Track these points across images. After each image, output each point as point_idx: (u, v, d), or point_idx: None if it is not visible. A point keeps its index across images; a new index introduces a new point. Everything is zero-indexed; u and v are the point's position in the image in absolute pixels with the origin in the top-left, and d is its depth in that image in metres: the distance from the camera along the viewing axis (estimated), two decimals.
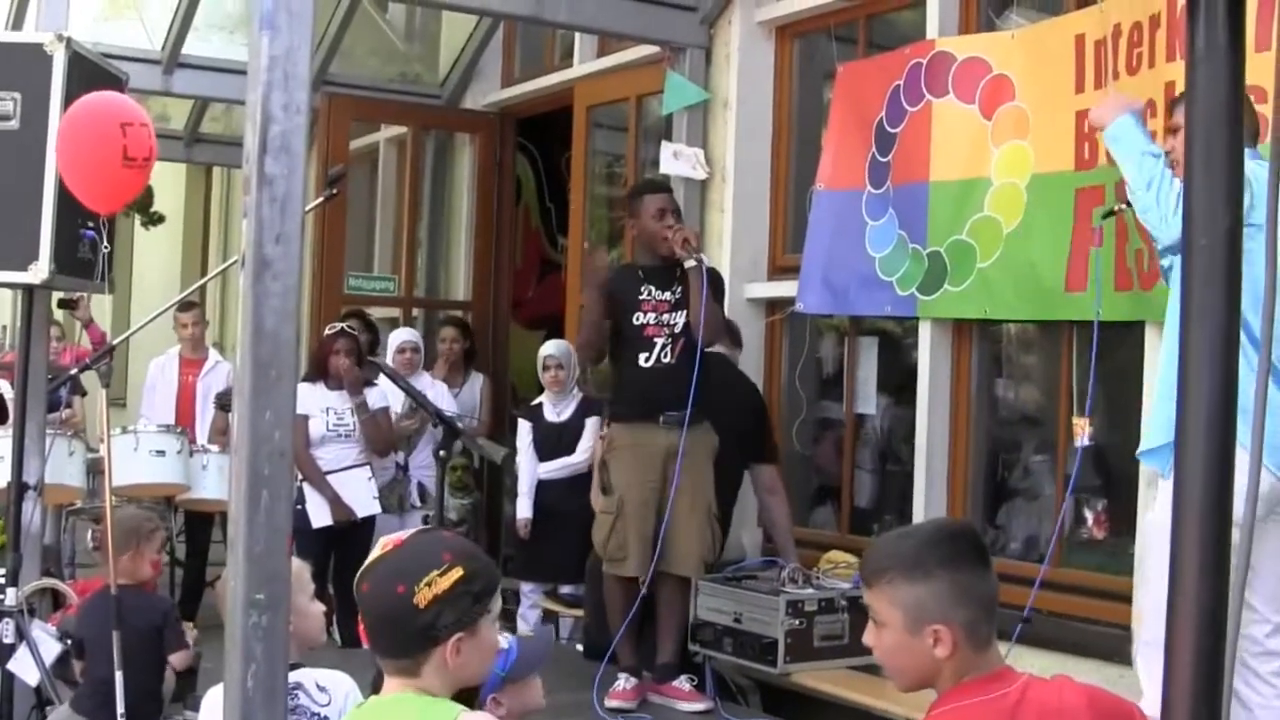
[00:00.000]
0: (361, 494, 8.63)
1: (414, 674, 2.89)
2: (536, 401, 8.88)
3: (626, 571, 7.01)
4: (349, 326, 8.94)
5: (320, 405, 8.52)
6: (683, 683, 6.95)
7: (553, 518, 8.51)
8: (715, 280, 7.20)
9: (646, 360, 7.05)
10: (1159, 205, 4.79)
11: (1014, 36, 7.06)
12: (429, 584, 2.85)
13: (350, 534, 8.45)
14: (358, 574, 2.95)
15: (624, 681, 6.90)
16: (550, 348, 8.71)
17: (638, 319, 7.05)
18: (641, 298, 7.07)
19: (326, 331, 8.83)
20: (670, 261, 7.07)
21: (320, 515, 8.39)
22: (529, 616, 8.89)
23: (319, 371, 8.60)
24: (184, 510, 9.27)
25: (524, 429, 8.79)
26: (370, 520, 8.60)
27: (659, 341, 7.03)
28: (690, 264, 6.93)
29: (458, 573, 2.88)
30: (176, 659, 5.95)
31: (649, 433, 7.03)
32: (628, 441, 7.11)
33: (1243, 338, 4.54)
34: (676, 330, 7.03)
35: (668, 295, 7.06)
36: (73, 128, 5.02)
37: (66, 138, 5.04)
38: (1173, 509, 1.14)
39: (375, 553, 2.96)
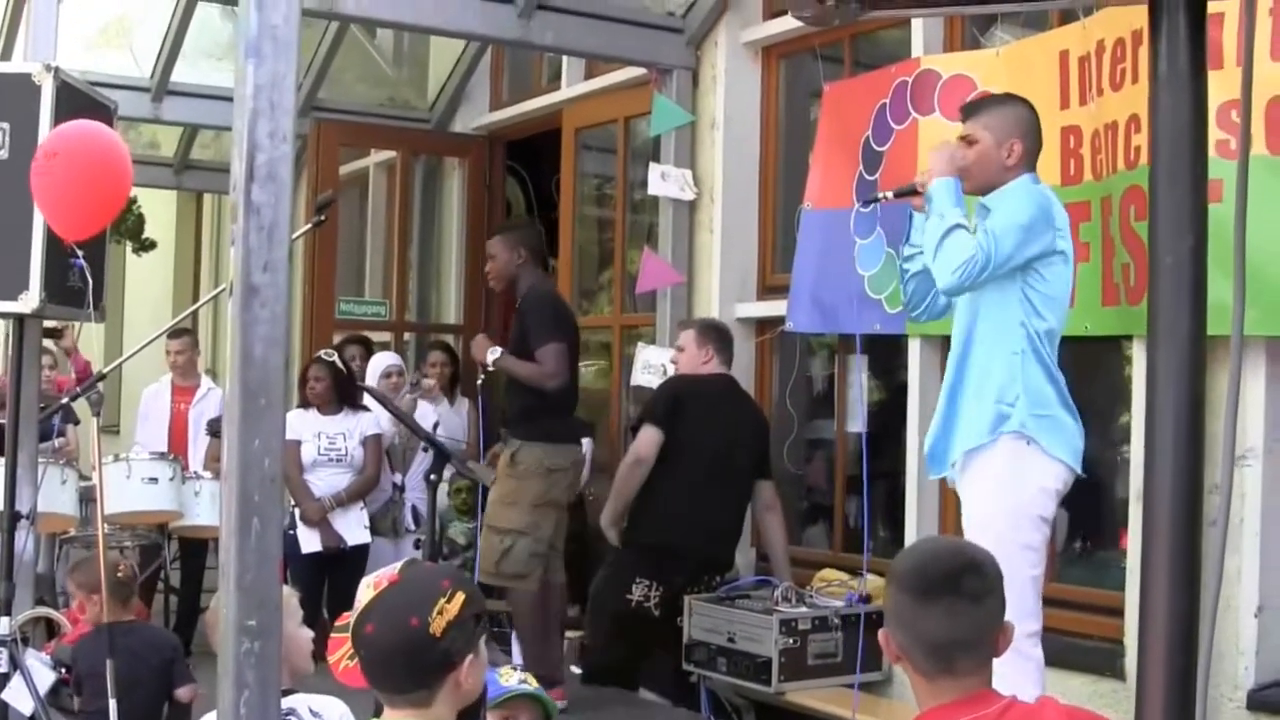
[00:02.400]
0: (351, 522, 8.66)
1: (427, 704, 2.91)
2: None
3: (530, 587, 7.45)
4: (326, 353, 8.98)
5: (312, 430, 8.54)
6: None
7: None
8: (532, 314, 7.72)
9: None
10: (936, 265, 5.04)
11: (999, 54, 7.09)
12: (440, 612, 2.87)
13: (342, 561, 8.47)
14: (355, 619, 2.95)
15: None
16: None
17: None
18: None
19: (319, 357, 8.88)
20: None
21: (310, 541, 8.41)
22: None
23: (305, 400, 8.66)
24: (178, 537, 9.27)
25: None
26: (363, 547, 8.63)
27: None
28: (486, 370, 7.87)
29: (461, 596, 2.92)
30: (184, 692, 5.97)
31: (571, 453, 7.70)
32: (559, 464, 7.59)
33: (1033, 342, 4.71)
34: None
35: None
36: (69, 155, 5.02)
37: (58, 167, 5.04)
38: (1143, 523, 1.16)
39: (367, 594, 2.96)
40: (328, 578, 8.39)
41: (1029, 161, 5.20)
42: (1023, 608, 4.69)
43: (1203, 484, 1.17)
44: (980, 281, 4.94)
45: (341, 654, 3.22)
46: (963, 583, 2.83)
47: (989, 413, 4.98)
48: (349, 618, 3.21)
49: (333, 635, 3.34)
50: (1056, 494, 5.03)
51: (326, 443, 8.66)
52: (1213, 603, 1.25)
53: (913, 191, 5.25)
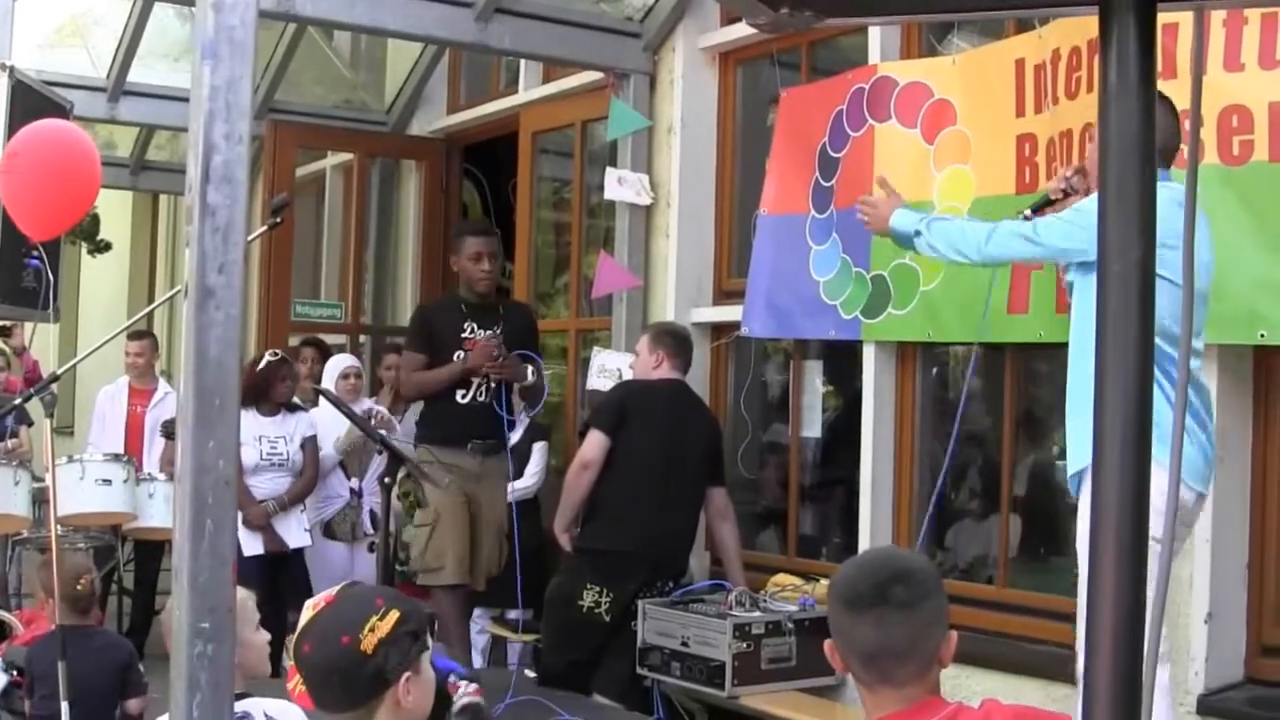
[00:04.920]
0: (293, 525, 8.64)
1: None
2: None
3: (445, 579, 7.67)
4: (273, 353, 8.93)
5: (253, 433, 8.47)
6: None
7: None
8: (530, 328, 8.15)
9: (463, 397, 7.77)
10: (969, 253, 4.97)
11: (955, 61, 7.12)
12: (371, 629, 2.90)
13: (286, 563, 8.45)
14: (295, 640, 2.97)
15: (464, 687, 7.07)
16: None
17: (458, 356, 7.73)
18: (464, 335, 7.77)
19: (267, 358, 8.78)
20: (492, 300, 7.98)
21: (251, 544, 8.37)
22: (478, 642, 8.89)
23: (254, 398, 8.54)
24: (132, 539, 9.23)
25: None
26: (302, 552, 8.61)
27: (475, 381, 7.75)
28: (522, 384, 7.94)
29: (395, 615, 2.96)
30: (134, 704, 5.94)
31: (458, 456, 7.78)
32: (441, 461, 7.73)
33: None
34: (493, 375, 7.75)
35: (489, 333, 7.76)
36: (41, 156, 5.01)
37: (29, 165, 5.02)
38: (1090, 534, 1.17)
39: (306, 615, 2.98)
40: (275, 581, 8.35)
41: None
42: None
43: (1149, 492, 1.18)
44: (1024, 257, 4.97)
45: (298, 680, 3.23)
46: (891, 592, 2.85)
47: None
48: None
49: (287, 663, 3.34)
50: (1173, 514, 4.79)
51: (268, 446, 8.61)
52: (1159, 608, 1.27)
53: (1047, 202, 5.12)
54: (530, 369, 7.90)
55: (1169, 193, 4.74)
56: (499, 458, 7.94)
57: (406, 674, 2.95)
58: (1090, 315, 4.73)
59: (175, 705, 1.57)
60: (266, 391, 8.56)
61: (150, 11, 10.24)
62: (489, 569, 7.87)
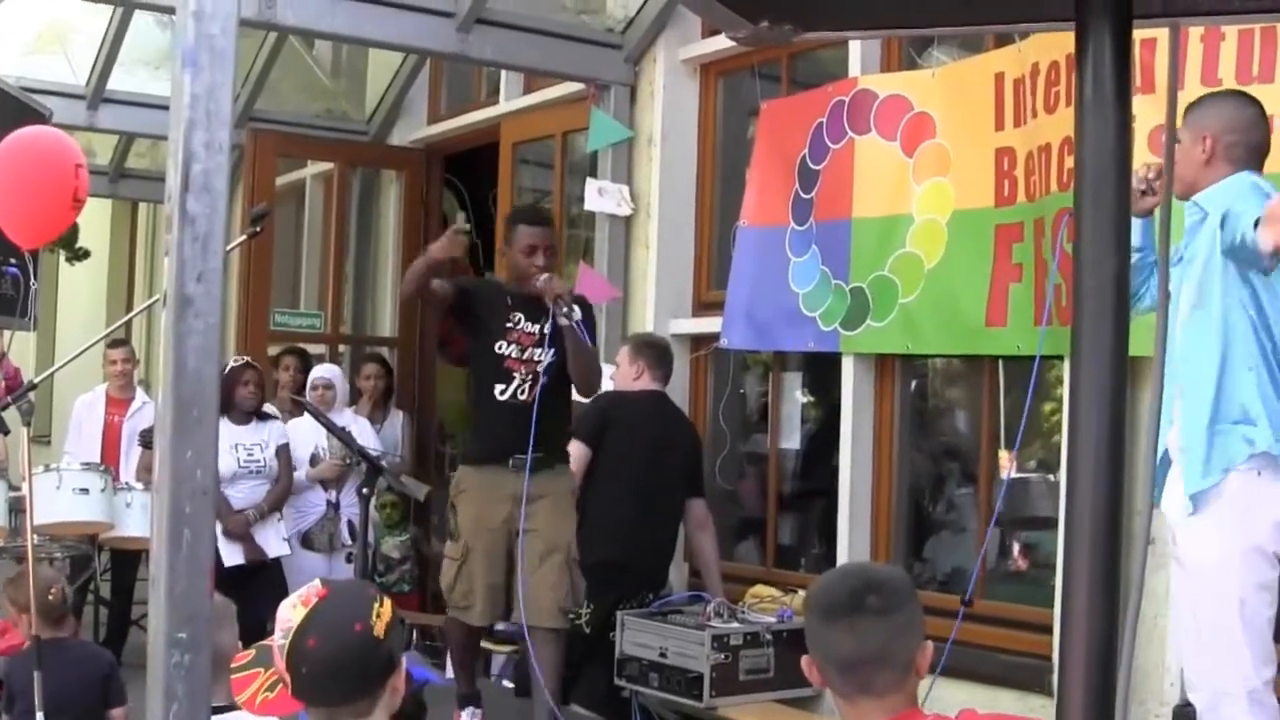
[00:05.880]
0: (271, 534, 8.62)
1: (369, 713, 2.93)
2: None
3: (473, 620, 6.78)
4: (237, 359, 8.92)
5: (229, 441, 8.44)
6: None
7: None
8: (586, 316, 6.90)
9: (502, 393, 6.73)
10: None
11: (935, 75, 7.14)
12: (379, 615, 2.92)
13: (263, 573, 8.42)
14: (291, 638, 2.94)
15: (468, 715, 6.88)
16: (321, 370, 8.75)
17: (500, 348, 6.75)
18: (509, 325, 6.78)
19: (231, 363, 8.76)
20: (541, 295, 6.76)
21: (232, 554, 8.34)
22: None
23: (224, 406, 8.50)
24: (109, 548, 9.19)
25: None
26: (279, 561, 8.59)
27: (518, 376, 6.74)
28: (562, 322, 6.61)
29: (388, 600, 2.98)
30: (117, 713, 5.92)
31: (496, 475, 6.69)
32: (475, 484, 6.79)
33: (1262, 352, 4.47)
34: (539, 369, 6.75)
35: (535, 329, 6.76)
36: (24, 163, 5.01)
37: (15, 172, 5.02)
38: (1064, 541, 1.18)
39: (296, 613, 2.95)
40: (253, 591, 8.31)
41: (1237, 155, 4.70)
42: (1263, 652, 4.52)
43: (1123, 503, 1.19)
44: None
45: (255, 688, 3.20)
46: (866, 600, 2.87)
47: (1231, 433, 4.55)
48: (245, 657, 3.20)
49: (234, 677, 3.30)
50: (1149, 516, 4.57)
51: (245, 454, 8.59)
52: (1133, 618, 1.28)
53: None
54: (577, 309, 6.68)
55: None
56: (556, 472, 6.81)
57: (402, 659, 2.99)
58: (1218, 322, 4.55)
59: (152, 715, 1.57)
60: (229, 397, 8.51)
61: (130, 19, 10.23)
62: (560, 604, 6.69)
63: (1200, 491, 4.55)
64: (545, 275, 6.65)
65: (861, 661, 2.85)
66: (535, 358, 6.75)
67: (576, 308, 6.66)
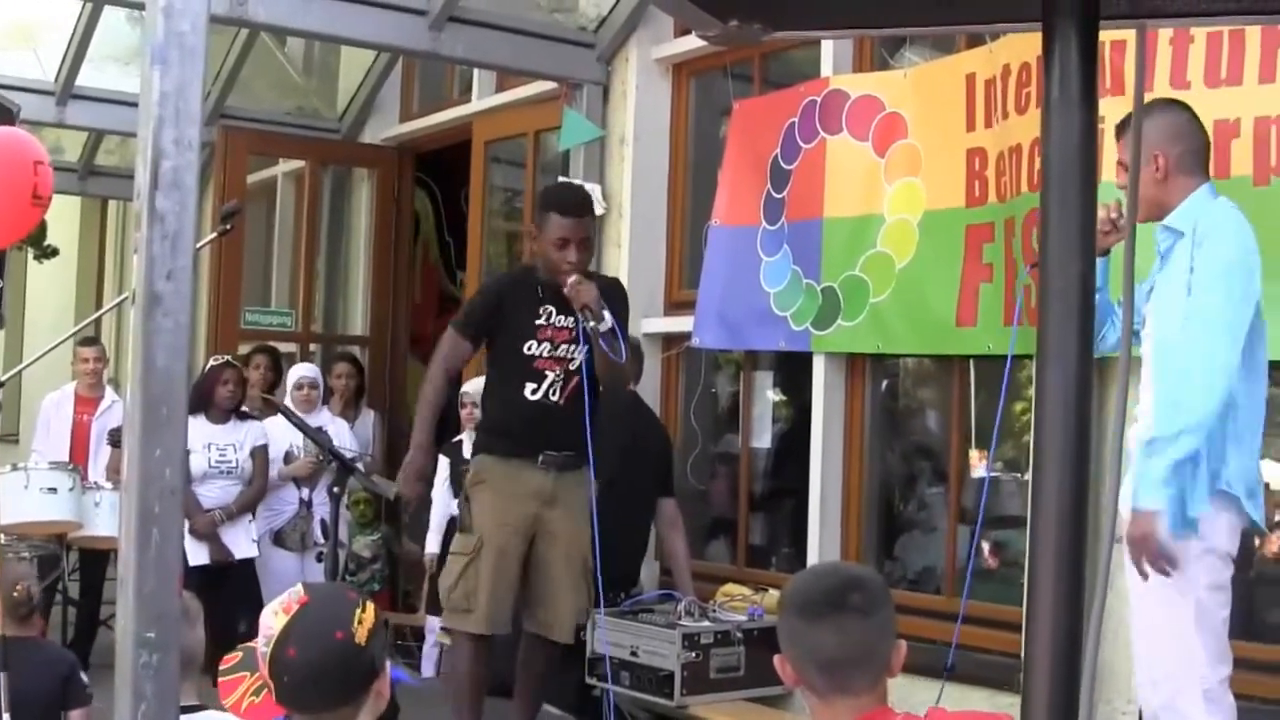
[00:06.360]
0: (240, 535, 8.59)
1: (353, 719, 2.92)
2: (456, 439, 8.86)
3: (470, 626, 6.25)
4: (218, 358, 8.89)
5: (202, 440, 8.41)
6: None
7: None
8: (621, 312, 6.42)
9: (534, 393, 6.28)
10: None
11: (906, 75, 7.16)
12: (360, 621, 2.90)
13: (230, 574, 8.40)
14: (272, 647, 2.92)
15: None
16: (469, 385, 8.63)
17: (530, 348, 6.27)
18: (539, 321, 6.29)
19: (211, 363, 8.74)
20: None
21: (198, 554, 8.30)
22: (430, 654, 8.88)
23: (202, 404, 8.49)
24: (77, 548, 9.16)
25: (442, 464, 8.78)
26: (250, 560, 8.56)
27: (550, 375, 6.26)
28: (590, 329, 6.18)
29: (370, 605, 2.97)
30: (77, 714, 5.89)
31: (522, 471, 6.28)
32: (497, 476, 6.32)
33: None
34: (572, 367, 6.28)
35: (569, 322, 6.29)
36: None
37: None
38: (1030, 540, 1.18)
39: (278, 620, 2.93)
40: (220, 593, 8.29)
41: (1190, 164, 4.71)
42: (1218, 650, 4.57)
43: (1088, 503, 1.19)
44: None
45: (242, 692, 3.19)
46: (849, 599, 2.89)
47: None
48: (233, 659, 3.19)
49: (221, 680, 3.29)
50: (1239, 530, 4.65)
51: (217, 454, 8.57)
52: (1098, 616, 1.28)
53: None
54: (607, 315, 6.19)
55: (1226, 206, 4.71)
56: (579, 475, 6.38)
57: (386, 663, 2.98)
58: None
59: (120, 715, 1.57)
60: (208, 396, 8.49)
61: (100, 14, 10.19)
62: (572, 616, 6.43)
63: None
64: (574, 279, 6.15)
65: (844, 661, 2.86)
66: (569, 354, 6.32)
67: (607, 313, 6.19)
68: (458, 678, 6.42)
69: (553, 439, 6.24)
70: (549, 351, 6.30)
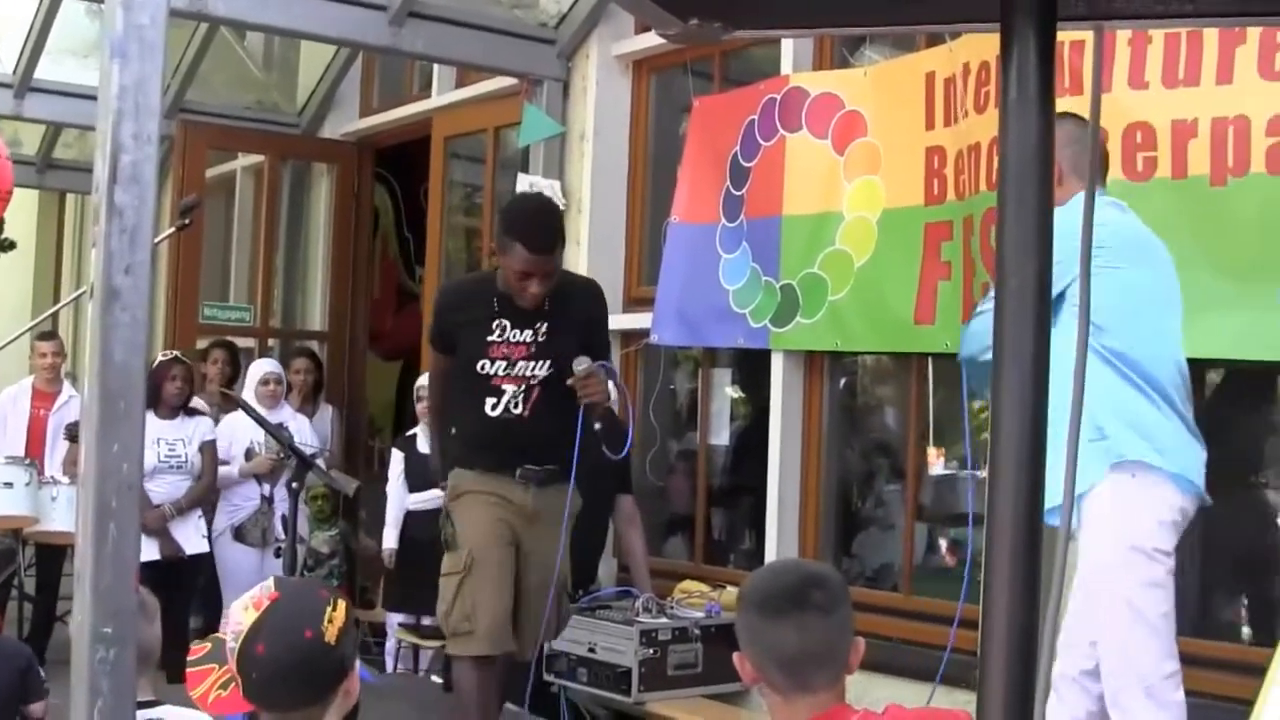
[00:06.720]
0: (190, 531, 8.56)
1: (320, 718, 2.90)
2: (410, 433, 8.86)
3: (474, 649, 5.71)
4: (166, 354, 8.84)
5: (152, 436, 8.38)
6: None
7: (419, 549, 8.48)
8: (594, 319, 6.07)
9: (494, 409, 5.85)
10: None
11: (866, 73, 7.18)
12: (330, 620, 2.87)
13: (180, 570, 8.36)
14: (240, 642, 2.90)
15: None
16: (425, 379, 8.63)
17: (484, 367, 5.83)
18: (491, 339, 5.83)
19: (160, 358, 8.70)
20: None
21: (148, 550, 8.25)
22: (389, 649, 8.86)
23: (150, 400, 8.44)
24: (34, 543, 9.11)
25: (396, 459, 8.78)
26: (199, 556, 8.53)
27: (509, 390, 5.83)
28: (597, 429, 5.78)
29: (343, 604, 2.93)
30: (35, 708, 5.86)
31: (501, 485, 5.84)
32: (478, 487, 5.86)
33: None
34: (534, 382, 5.83)
35: (526, 337, 5.83)
36: None
37: None
38: (986, 539, 1.19)
39: (247, 615, 2.91)
40: (171, 590, 8.24)
41: (1084, 166, 4.74)
42: (1159, 648, 4.57)
43: (1043, 501, 1.20)
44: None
45: (209, 685, 3.17)
46: (810, 596, 2.90)
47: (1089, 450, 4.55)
48: (201, 650, 3.17)
49: (189, 670, 3.27)
50: (1175, 525, 4.62)
51: (166, 449, 8.52)
52: (1053, 613, 1.29)
53: None
54: (611, 386, 5.89)
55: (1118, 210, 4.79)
56: (558, 490, 5.88)
57: (356, 662, 2.96)
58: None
59: (76, 711, 1.56)
60: (157, 392, 8.45)
61: (59, 7, 10.14)
62: (537, 634, 5.95)
63: (1079, 495, 4.64)
64: (584, 368, 5.69)
65: (805, 658, 2.87)
66: (528, 372, 5.85)
67: (612, 386, 5.90)
68: (467, 700, 5.81)
69: (527, 453, 5.82)
70: (504, 370, 5.85)
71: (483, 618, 5.66)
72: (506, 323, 5.83)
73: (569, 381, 5.70)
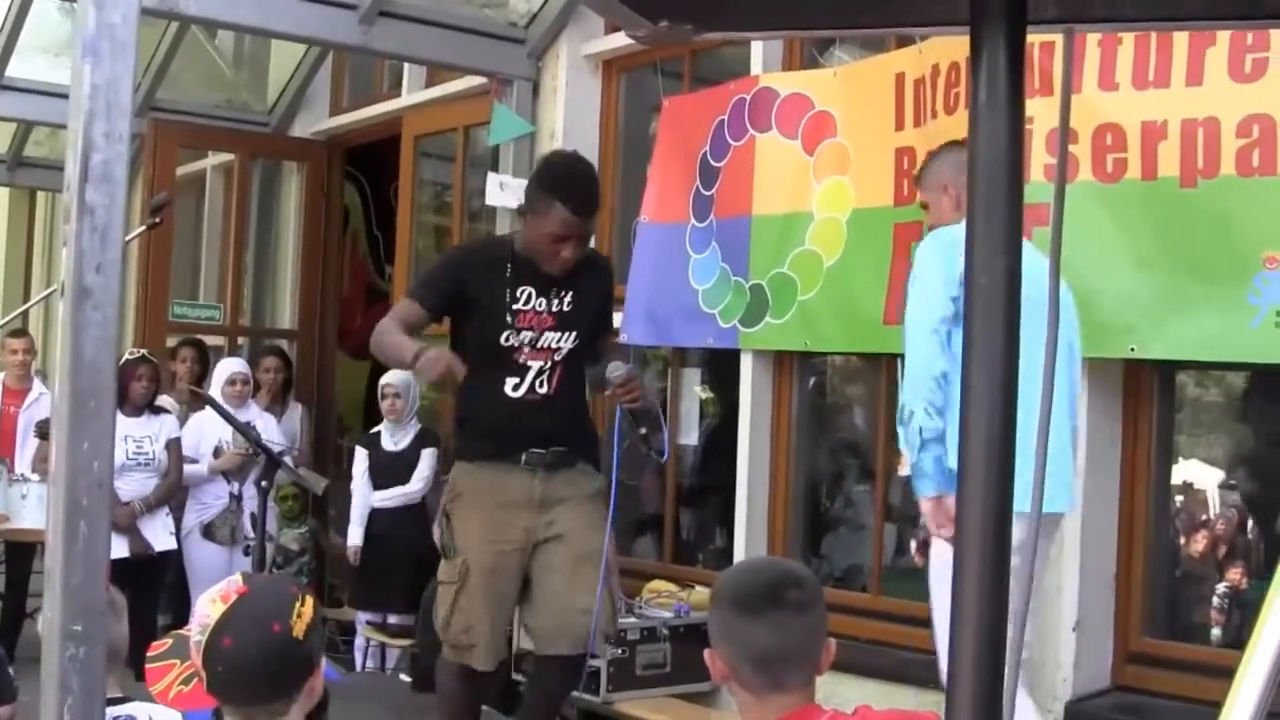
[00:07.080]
0: (158, 528, 8.53)
1: (284, 713, 2.88)
2: (375, 430, 8.85)
3: (476, 663, 5.40)
4: (132, 352, 8.81)
5: (119, 434, 8.35)
6: None
7: (384, 547, 8.50)
8: (607, 294, 5.77)
9: (516, 389, 5.41)
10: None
11: (836, 74, 7.19)
12: (299, 615, 2.85)
13: (149, 567, 8.34)
14: (208, 635, 2.88)
15: None
16: (390, 376, 8.60)
17: (507, 338, 5.37)
18: (516, 307, 5.39)
19: (126, 356, 8.68)
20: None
21: (116, 546, 8.23)
22: (357, 644, 8.85)
23: (118, 399, 8.42)
24: (3, 540, 9.08)
25: (360, 456, 8.77)
26: (167, 554, 8.51)
27: (535, 367, 5.40)
28: (642, 435, 5.41)
29: (311, 599, 2.92)
30: (3, 711, 5.83)
31: (505, 477, 5.43)
32: (478, 487, 5.47)
33: None
34: (559, 356, 5.43)
35: (554, 305, 5.44)
36: None
37: None
38: (955, 545, 1.20)
39: (214, 609, 2.89)
40: (139, 588, 8.22)
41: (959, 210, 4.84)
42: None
43: (1013, 503, 1.21)
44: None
45: (170, 680, 3.15)
46: (786, 595, 2.89)
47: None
48: (162, 646, 3.15)
49: (149, 666, 3.25)
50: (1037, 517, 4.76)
51: (134, 446, 8.50)
52: (1021, 613, 1.30)
53: None
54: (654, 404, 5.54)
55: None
56: (580, 471, 5.58)
57: (322, 658, 2.95)
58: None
59: (46, 709, 1.56)
60: (123, 390, 8.43)
61: (30, 5, 10.11)
62: (579, 620, 5.39)
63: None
64: (620, 373, 5.28)
65: (780, 657, 2.87)
66: (554, 344, 5.44)
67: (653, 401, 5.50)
68: (454, 713, 5.65)
69: (539, 435, 5.39)
70: (531, 341, 5.41)
71: (484, 631, 5.38)
72: (531, 290, 5.42)
73: (606, 393, 5.43)
